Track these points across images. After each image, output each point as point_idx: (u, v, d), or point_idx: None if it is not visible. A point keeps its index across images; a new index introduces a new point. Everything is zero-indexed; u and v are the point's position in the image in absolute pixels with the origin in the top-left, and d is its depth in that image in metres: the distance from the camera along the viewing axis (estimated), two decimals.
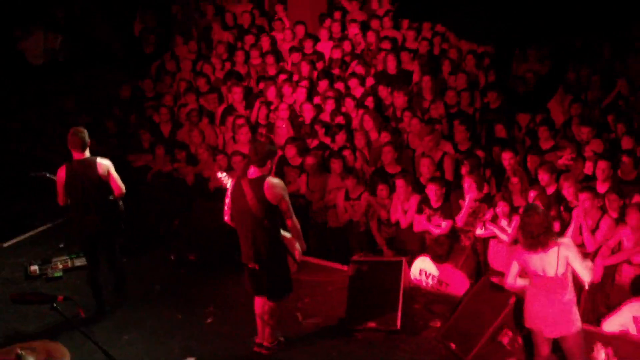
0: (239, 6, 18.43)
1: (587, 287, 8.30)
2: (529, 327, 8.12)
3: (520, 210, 10.65)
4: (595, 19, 15.13)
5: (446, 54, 15.72)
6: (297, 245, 8.99)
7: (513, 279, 8.14)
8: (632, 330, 9.37)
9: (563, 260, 7.72)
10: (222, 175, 9.38)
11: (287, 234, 8.95)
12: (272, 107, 14.46)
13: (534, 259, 7.79)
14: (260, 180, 8.64)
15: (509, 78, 15.17)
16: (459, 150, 12.87)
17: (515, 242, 10.59)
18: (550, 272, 7.73)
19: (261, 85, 15.45)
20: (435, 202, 11.35)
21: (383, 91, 14.61)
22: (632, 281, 10.15)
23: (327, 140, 13.48)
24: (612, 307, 9.93)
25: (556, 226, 9.99)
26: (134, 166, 14.05)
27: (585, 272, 7.86)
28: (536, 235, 7.70)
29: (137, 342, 9.70)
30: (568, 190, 10.87)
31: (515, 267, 8.06)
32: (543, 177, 11.13)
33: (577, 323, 7.95)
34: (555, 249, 7.73)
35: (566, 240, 7.89)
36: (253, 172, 8.75)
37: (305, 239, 11.18)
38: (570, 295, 7.87)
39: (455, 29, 16.08)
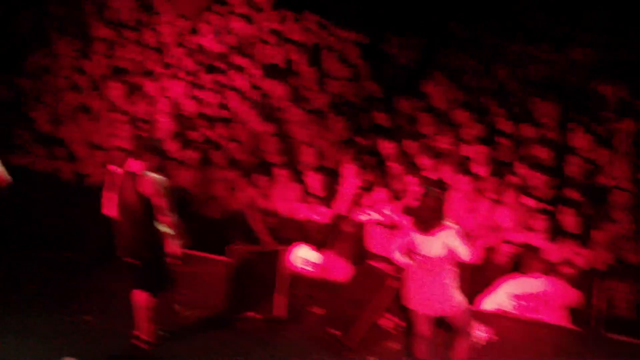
0: (119, 1, 18.17)
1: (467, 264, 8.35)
2: (412, 308, 8.17)
3: (401, 195, 10.86)
4: (470, 4, 15.35)
5: (329, 45, 15.76)
6: (176, 241, 8.90)
7: (397, 253, 8.22)
8: (509, 306, 9.55)
9: (447, 242, 7.87)
10: None
11: (166, 229, 8.87)
12: (152, 102, 14.31)
13: (421, 240, 7.92)
14: (140, 175, 8.58)
15: (386, 64, 15.31)
16: (339, 139, 12.91)
17: (393, 227, 10.74)
18: (434, 254, 7.87)
19: (142, 81, 15.29)
20: (316, 190, 11.39)
21: (266, 83, 14.61)
22: (508, 259, 10.36)
23: (210, 133, 13.41)
24: (490, 286, 10.10)
25: None
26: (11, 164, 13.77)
27: (466, 251, 8.00)
28: (428, 218, 7.84)
29: (14, 343, 9.49)
30: (448, 174, 11.03)
31: (401, 242, 8.15)
32: (424, 162, 11.25)
33: (460, 301, 8.10)
34: (440, 233, 7.86)
35: (452, 224, 7.98)
36: (135, 166, 8.66)
37: (185, 231, 11.20)
38: (451, 276, 8.02)
39: (334, 17, 16.13)
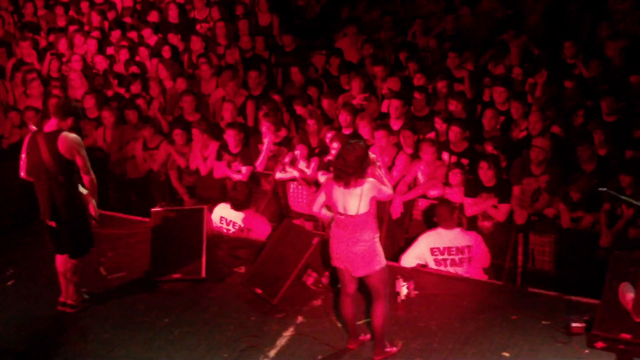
0: None
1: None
2: (335, 265, 8.10)
3: (317, 151, 10.90)
4: None
5: None
6: (93, 201, 8.80)
7: (319, 207, 8.08)
8: (429, 260, 9.69)
9: (366, 199, 7.65)
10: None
11: (84, 190, 8.75)
12: (64, 60, 14.07)
13: (338, 194, 7.71)
14: (56, 134, 8.40)
15: (294, 12, 15.36)
16: (254, 95, 12.92)
17: (313, 183, 10.81)
18: (352, 211, 7.67)
19: (52, 38, 15.01)
20: (234, 148, 11.39)
21: (174, 38, 14.49)
22: (426, 213, 10.52)
23: (122, 91, 13.27)
24: (410, 241, 10.24)
25: None
26: None
27: (389, 190, 7.93)
28: (346, 170, 7.58)
29: None
30: (364, 130, 11.10)
31: (322, 197, 7.98)
32: (345, 117, 11.30)
33: (380, 261, 7.90)
34: (359, 188, 7.64)
35: (371, 179, 7.76)
36: (50, 125, 8.51)
37: (104, 191, 11.11)
38: (373, 234, 7.83)
39: None
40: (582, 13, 13.50)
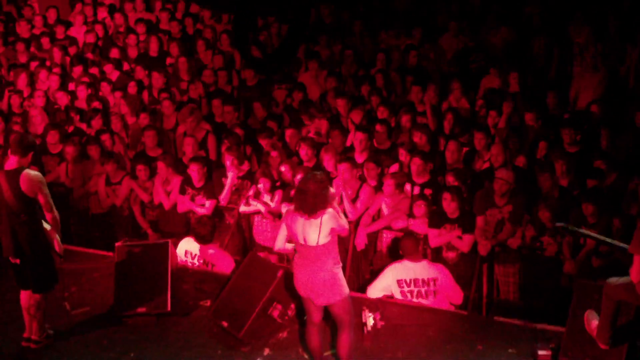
0: None
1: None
2: (300, 294, 8.14)
3: (278, 184, 10.92)
4: None
5: (201, 34, 15.75)
6: (57, 237, 8.73)
7: (282, 243, 8.16)
8: (396, 292, 9.70)
9: (326, 230, 7.70)
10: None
11: (47, 226, 8.69)
12: (25, 95, 13.99)
13: (299, 225, 7.76)
14: (17, 172, 8.35)
15: (252, 45, 15.43)
16: (220, 122, 13.08)
17: (276, 215, 10.81)
18: (312, 242, 7.72)
19: (12, 74, 14.95)
20: (197, 182, 11.40)
21: (140, 73, 14.49)
22: (391, 245, 10.54)
23: (84, 126, 13.23)
24: (375, 273, 10.26)
25: None
26: None
27: (346, 224, 8.02)
28: (308, 200, 7.64)
29: None
30: (328, 163, 11.15)
31: (283, 231, 8.06)
32: (305, 151, 11.35)
33: (343, 290, 7.95)
34: (319, 219, 7.69)
35: (330, 210, 7.81)
36: (11, 163, 8.45)
37: (67, 227, 11.04)
38: (334, 263, 7.88)
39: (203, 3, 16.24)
40: (550, 47, 13.67)
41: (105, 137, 12.53)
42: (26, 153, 8.50)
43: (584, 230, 9.01)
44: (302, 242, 7.79)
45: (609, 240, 8.35)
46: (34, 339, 8.97)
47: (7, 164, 8.51)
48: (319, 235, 7.70)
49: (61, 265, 9.17)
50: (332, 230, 7.74)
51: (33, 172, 8.47)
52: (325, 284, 7.82)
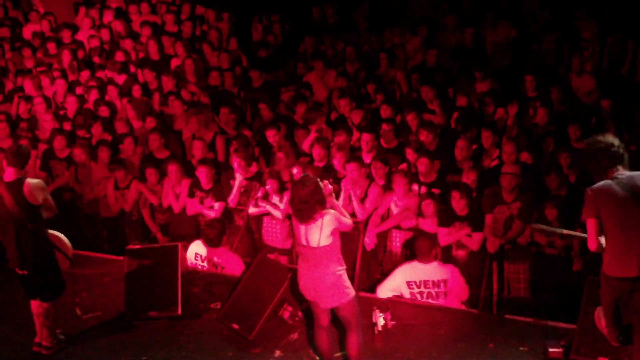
0: None
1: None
2: (307, 299, 8.10)
3: (288, 185, 10.91)
4: None
5: (207, 36, 15.77)
6: (66, 241, 8.75)
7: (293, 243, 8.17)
8: (405, 293, 9.71)
9: (327, 231, 7.64)
10: None
11: (55, 232, 8.69)
12: (34, 101, 14.00)
13: (301, 229, 7.74)
14: (19, 182, 8.36)
15: (251, 44, 15.42)
16: (227, 129, 12.99)
17: (288, 217, 10.81)
18: (313, 243, 7.67)
19: (19, 80, 14.98)
20: (206, 184, 11.39)
21: (148, 75, 14.50)
22: (402, 246, 10.54)
23: (93, 131, 13.23)
24: (385, 273, 10.27)
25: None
26: None
27: (349, 222, 7.93)
28: (300, 207, 7.60)
29: None
30: (339, 162, 11.15)
31: (290, 233, 8.09)
32: (318, 152, 11.41)
33: (349, 293, 7.88)
34: (320, 220, 7.64)
35: (330, 211, 7.76)
36: (9, 174, 8.44)
37: (77, 231, 11.06)
38: (337, 266, 7.81)
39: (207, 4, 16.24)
40: (559, 44, 13.64)
41: (113, 141, 12.52)
42: (24, 164, 8.54)
43: (551, 229, 8.97)
44: (304, 243, 7.75)
45: (579, 234, 8.26)
46: (44, 345, 9.01)
47: (5, 175, 8.48)
48: (319, 237, 7.65)
49: (71, 269, 9.19)
50: (334, 231, 7.70)
51: (34, 180, 8.53)
52: (330, 286, 7.79)
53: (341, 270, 7.84)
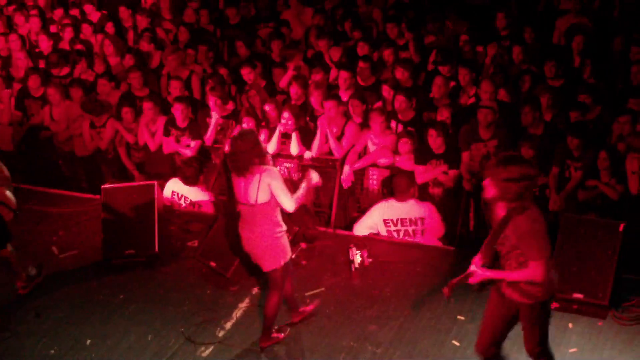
0: None
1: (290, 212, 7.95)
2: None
3: (263, 123, 10.89)
4: None
5: None
6: (8, 193, 8.52)
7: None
8: (382, 231, 9.77)
9: (265, 187, 7.43)
10: None
11: None
12: (8, 38, 13.84)
13: (240, 185, 7.53)
14: None
15: None
16: (204, 67, 12.90)
17: None
18: (251, 200, 7.46)
19: None
20: (182, 122, 11.32)
21: (124, 13, 14.37)
22: (379, 183, 10.57)
23: (68, 69, 13.12)
24: (362, 211, 10.31)
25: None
26: None
27: (288, 201, 7.51)
28: (237, 158, 7.43)
29: None
30: (316, 100, 11.11)
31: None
32: (295, 90, 11.34)
33: (285, 256, 7.73)
34: (257, 176, 7.43)
35: (271, 167, 7.62)
36: None
37: (55, 169, 10.99)
38: (275, 227, 7.62)
39: None
40: None
41: (102, 82, 12.37)
42: None
43: None
44: (242, 200, 7.56)
45: None
46: (19, 284, 9.03)
47: None
48: (257, 193, 7.45)
49: (47, 208, 9.07)
50: (270, 188, 7.45)
51: None
52: (265, 248, 7.64)
53: (279, 232, 7.66)
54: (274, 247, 7.63)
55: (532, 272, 6.15)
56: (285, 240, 7.73)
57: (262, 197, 7.44)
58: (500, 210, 6.31)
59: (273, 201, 7.50)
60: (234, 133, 8.26)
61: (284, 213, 7.65)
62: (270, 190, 7.44)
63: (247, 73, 11.96)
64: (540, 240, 6.16)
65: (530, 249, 6.13)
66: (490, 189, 6.24)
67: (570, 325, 8.07)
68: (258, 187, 7.42)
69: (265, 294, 8.04)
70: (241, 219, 7.70)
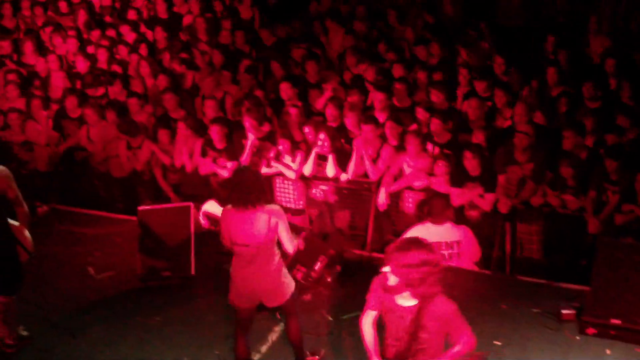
0: None
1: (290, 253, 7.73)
2: (236, 305, 7.67)
3: (301, 145, 10.89)
4: None
5: None
6: (27, 233, 8.21)
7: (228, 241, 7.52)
8: None
9: (274, 227, 7.22)
10: None
11: (15, 223, 8.13)
12: (47, 59, 13.95)
13: (238, 222, 7.28)
14: None
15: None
16: (240, 89, 12.95)
17: (301, 177, 10.81)
18: (258, 239, 7.22)
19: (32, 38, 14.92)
20: (219, 143, 11.34)
21: (159, 34, 14.46)
22: (415, 206, 10.51)
23: (103, 90, 13.21)
24: (398, 234, 10.25)
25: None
26: None
27: (291, 242, 7.40)
28: (250, 193, 7.19)
29: None
30: (352, 122, 11.11)
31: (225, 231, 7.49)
32: (331, 112, 11.36)
33: (290, 286, 7.61)
34: (260, 212, 7.20)
35: (276, 207, 7.45)
36: None
37: (91, 191, 11.02)
38: (277, 261, 7.43)
39: None
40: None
41: (132, 102, 12.47)
42: None
43: None
44: (244, 240, 7.28)
45: None
46: (7, 342, 8.47)
47: None
48: (267, 232, 7.23)
49: (83, 229, 9.06)
50: (277, 226, 7.26)
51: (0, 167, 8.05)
52: (273, 284, 7.48)
53: (280, 264, 7.49)
54: (281, 282, 7.50)
55: (470, 341, 6.06)
56: (286, 271, 7.60)
57: (271, 236, 7.27)
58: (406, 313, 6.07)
59: (276, 239, 7.35)
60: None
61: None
62: (275, 227, 7.27)
63: (285, 89, 11.99)
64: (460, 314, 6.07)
65: (461, 324, 6.05)
66: (391, 277, 5.94)
67: (608, 351, 8.00)
68: (268, 226, 7.22)
69: (285, 323, 7.97)
70: (239, 259, 7.47)
